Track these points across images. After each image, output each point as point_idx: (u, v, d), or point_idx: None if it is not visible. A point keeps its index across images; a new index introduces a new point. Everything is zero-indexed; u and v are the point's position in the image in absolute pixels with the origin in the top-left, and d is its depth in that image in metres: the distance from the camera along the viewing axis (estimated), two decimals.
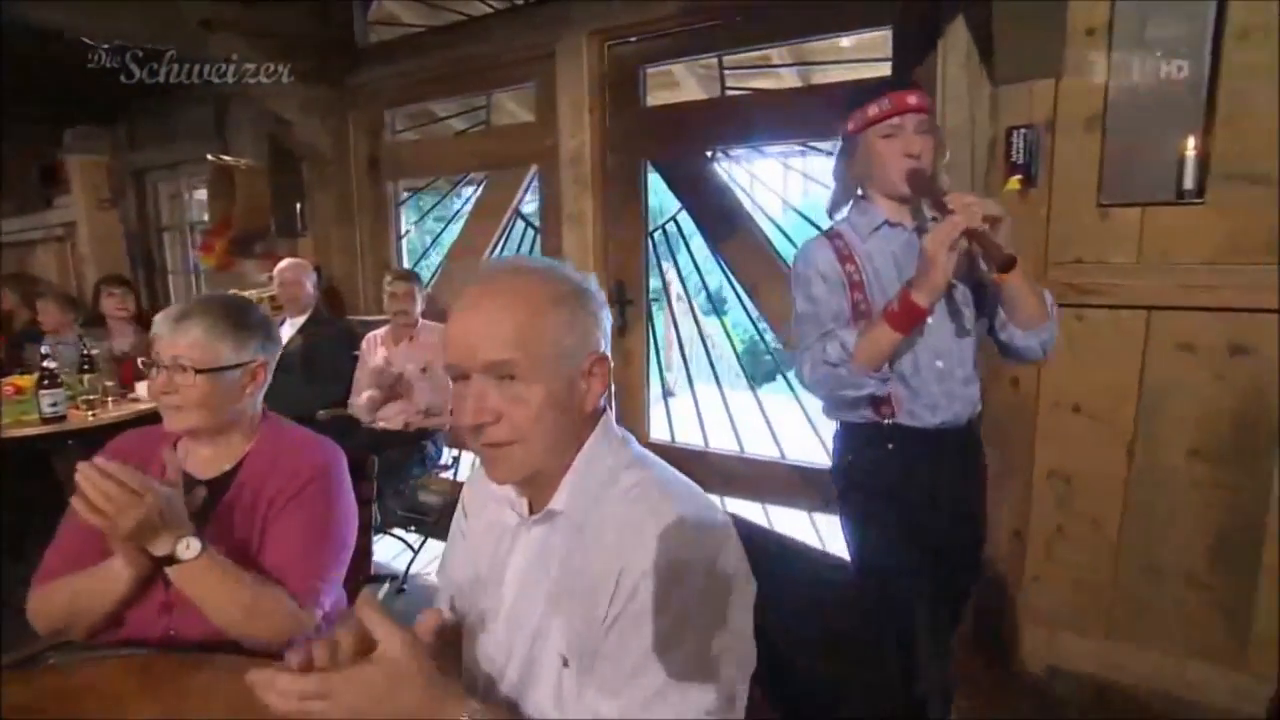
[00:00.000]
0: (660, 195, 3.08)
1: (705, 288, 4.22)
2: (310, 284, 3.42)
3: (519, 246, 3.45)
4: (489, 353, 0.82)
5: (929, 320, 1.47)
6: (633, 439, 0.95)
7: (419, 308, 3.16)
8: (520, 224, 3.46)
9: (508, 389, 0.82)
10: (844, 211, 1.64)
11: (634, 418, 3.18)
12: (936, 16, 2.28)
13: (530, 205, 3.46)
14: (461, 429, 0.87)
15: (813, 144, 2.78)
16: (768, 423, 2.90)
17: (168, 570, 1.11)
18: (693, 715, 0.76)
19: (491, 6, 3.28)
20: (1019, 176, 2.19)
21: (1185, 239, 2.03)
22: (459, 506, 1.09)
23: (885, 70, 2.53)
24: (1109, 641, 2.17)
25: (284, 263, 3.44)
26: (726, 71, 2.81)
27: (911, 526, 1.52)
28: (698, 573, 0.80)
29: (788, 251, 2.83)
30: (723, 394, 3.05)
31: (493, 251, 3.49)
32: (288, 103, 3.64)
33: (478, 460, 1.01)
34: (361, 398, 3.07)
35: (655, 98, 3.05)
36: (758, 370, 5.27)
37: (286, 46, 3.50)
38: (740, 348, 4.02)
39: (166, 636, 1.18)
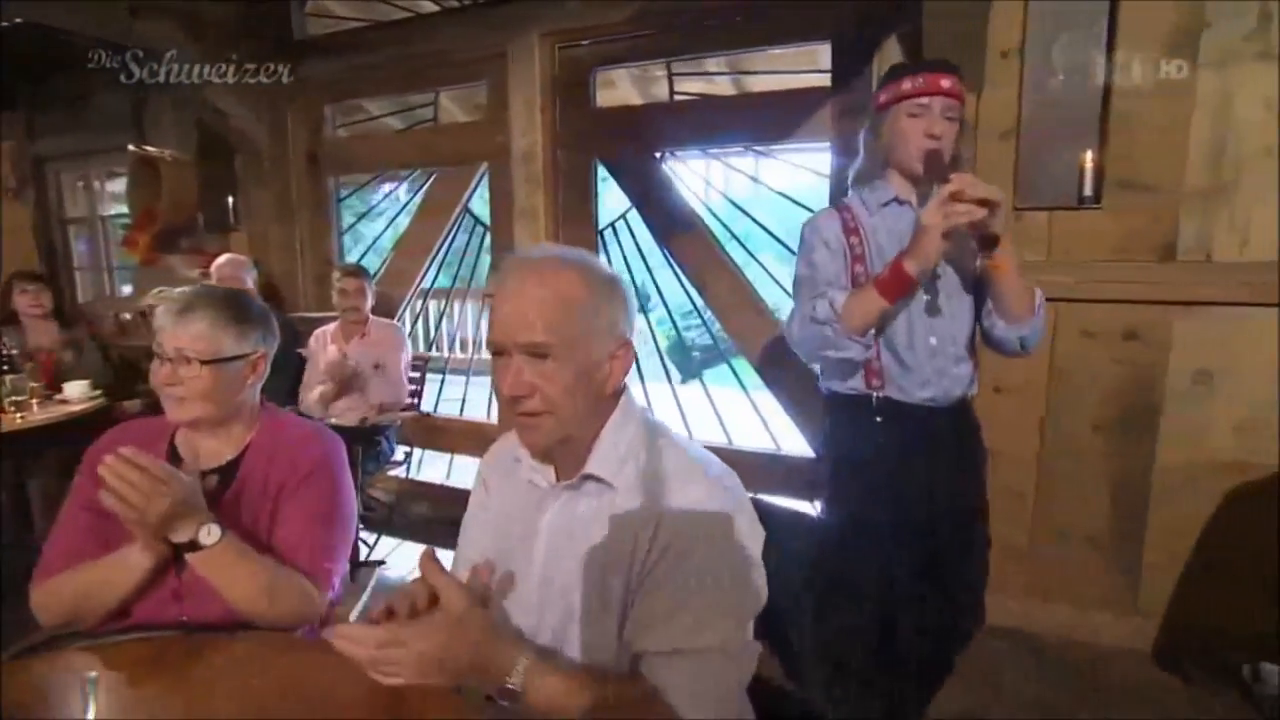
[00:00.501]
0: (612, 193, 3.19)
1: (634, 284, 4.35)
2: (250, 280, 3.34)
3: (468, 242, 3.48)
4: (527, 335, 0.91)
5: (927, 298, 1.52)
6: (650, 412, 1.06)
7: (369, 304, 3.15)
8: (468, 220, 3.49)
9: (542, 367, 0.92)
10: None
11: None
12: (872, 34, 2.48)
13: (476, 202, 3.50)
14: (500, 399, 0.96)
15: (756, 147, 2.95)
16: (682, 416, 3.08)
17: (189, 556, 1.14)
18: (719, 642, 0.88)
19: (438, 4, 3.30)
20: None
21: (1086, 240, 2.30)
22: (478, 483, 1.17)
23: (824, 80, 2.73)
24: (1029, 599, 2.43)
25: (222, 259, 3.35)
26: (659, 73, 2.94)
27: (897, 500, 1.55)
28: (723, 522, 0.92)
29: (735, 249, 3.00)
30: (644, 388, 3.17)
31: (442, 246, 3.51)
32: (224, 94, 3.53)
33: (509, 437, 1.11)
34: (314, 393, 3.03)
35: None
36: (686, 366, 5.47)
37: (220, 35, 3.40)
38: (665, 344, 4.15)
39: (178, 623, 1.20)
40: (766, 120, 2.79)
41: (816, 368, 1.70)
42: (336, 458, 1.36)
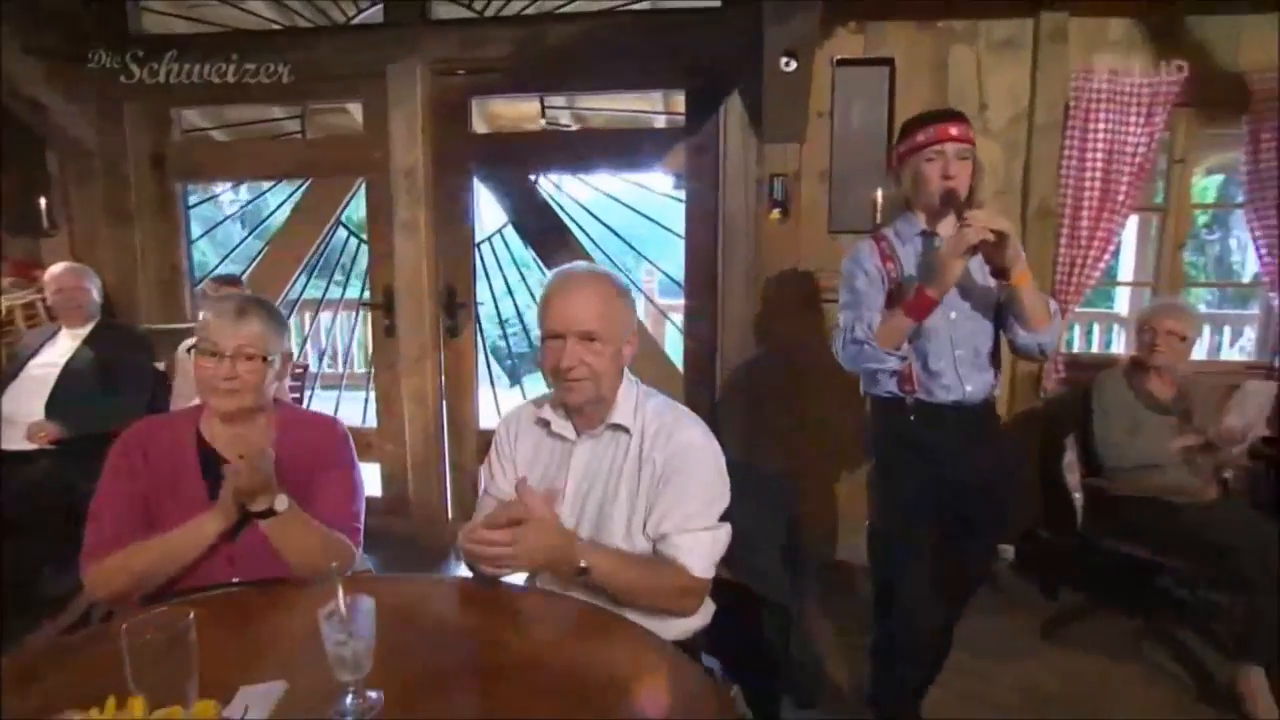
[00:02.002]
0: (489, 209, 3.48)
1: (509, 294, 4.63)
2: (96, 290, 3.16)
3: (342, 250, 3.57)
4: (581, 324, 1.29)
5: (952, 315, 1.74)
6: (638, 379, 1.46)
7: None
8: (341, 231, 3.57)
9: (589, 347, 1.30)
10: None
11: (466, 410, 3.52)
12: (719, 88, 3.05)
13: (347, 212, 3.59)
14: (548, 370, 1.32)
15: (622, 174, 3.42)
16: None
17: (263, 523, 1.34)
18: (709, 523, 1.31)
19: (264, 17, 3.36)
20: (778, 210, 3.06)
21: None
22: (499, 441, 1.49)
23: (678, 120, 3.27)
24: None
25: (58, 268, 3.11)
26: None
27: (928, 486, 1.77)
28: (709, 451, 1.36)
29: (606, 266, 3.44)
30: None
31: (315, 255, 3.55)
32: (42, 85, 3.28)
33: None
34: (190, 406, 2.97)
35: None
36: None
37: (37, 21, 3.18)
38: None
39: (229, 585, 1.38)
40: (631, 152, 3.28)
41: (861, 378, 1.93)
42: (349, 438, 1.60)
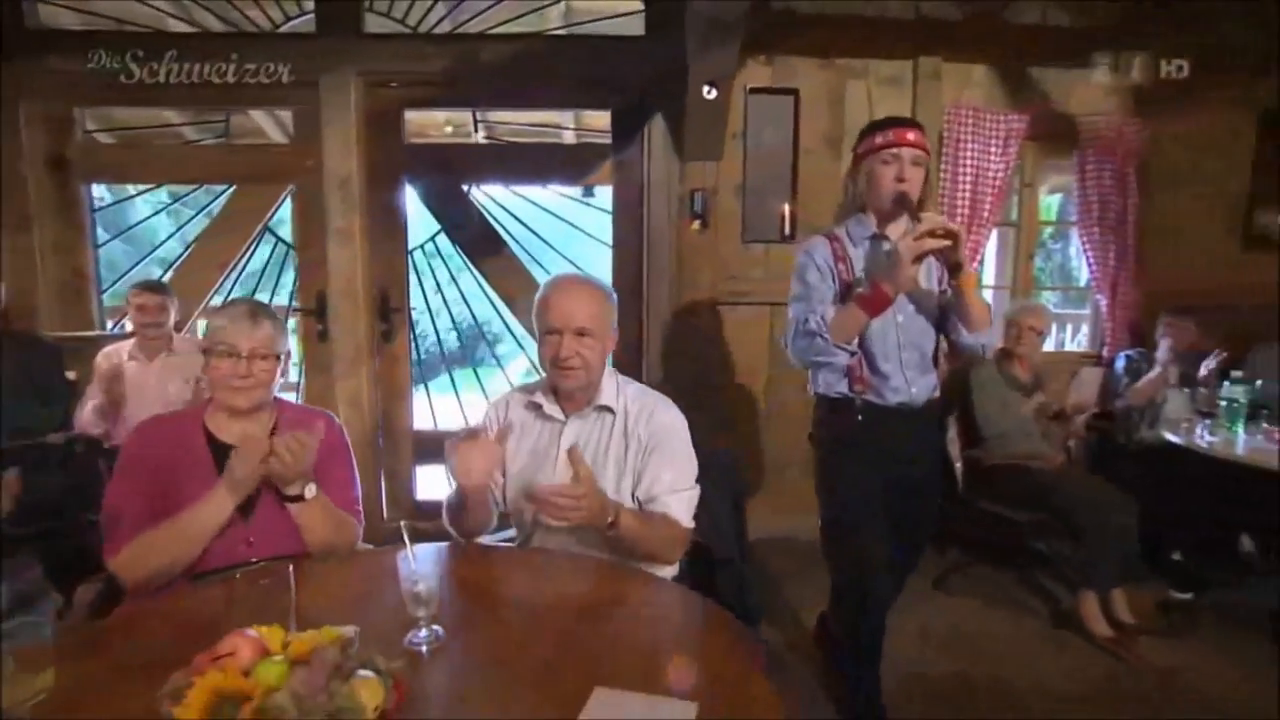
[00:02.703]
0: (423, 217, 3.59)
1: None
2: (2, 295, 3.02)
3: (270, 256, 3.56)
4: (576, 322, 1.52)
5: (899, 319, 1.80)
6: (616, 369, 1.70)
7: (172, 320, 3.09)
8: (268, 237, 3.56)
9: (584, 341, 1.53)
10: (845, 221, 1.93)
11: (400, 413, 3.60)
12: (644, 110, 3.33)
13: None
14: (547, 360, 1.54)
15: (551, 186, 3.63)
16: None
17: (292, 506, 1.48)
18: (688, 485, 1.57)
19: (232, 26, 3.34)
20: (698, 222, 3.37)
21: (787, 264, 3.39)
22: (489, 423, 1.68)
23: (605, 138, 3.52)
24: (775, 513, 3.46)
25: None
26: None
27: (874, 482, 1.86)
28: (682, 428, 1.62)
29: (537, 270, 3.63)
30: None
31: (241, 260, 3.53)
32: None
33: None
34: (85, 409, 2.91)
35: None
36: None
37: None
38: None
39: (247, 563, 1.49)
40: (561, 165, 3.50)
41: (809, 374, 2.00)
42: (345, 433, 1.73)
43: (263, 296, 3.73)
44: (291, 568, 1.02)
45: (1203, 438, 2.63)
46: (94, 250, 3.57)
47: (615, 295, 1.64)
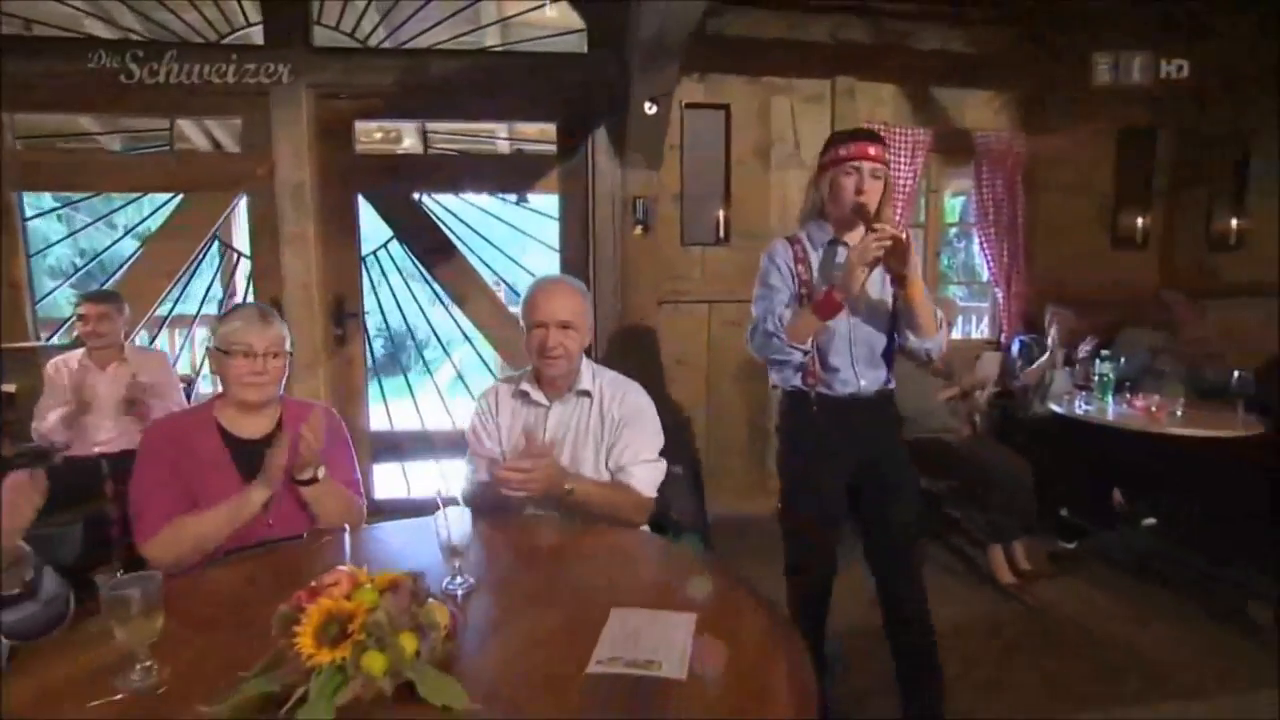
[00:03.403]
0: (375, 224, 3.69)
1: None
2: None
3: (219, 264, 3.58)
4: (560, 316, 1.74)
5: (851, 320, 1.88)
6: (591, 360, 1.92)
7: (121, 329, 3.09)
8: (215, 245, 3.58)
9: (568, 334, 1.75)
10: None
11: (357, 415, 3.69)
12: (588, 122, 3.55)
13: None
14: (535, 350, 1.75)
15: (500, 195, 3.80)
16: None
17: (304, 490, 1.63)
18: (652, 457, 1.80)
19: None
20: (640, 227, 3.62)
21: (722, 265, 3.73)
22: (481, 413, 1.87)
23: (550, 149, 3.72)
24: (724, 493, 3.73)
25: None
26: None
27: (829, 466, 1.95)
28: (650, 408, 1.86)
29: (486, 273, 3.80)
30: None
31: (189, 268, 3.54)
32: None
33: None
34: (50, 418, 2.90)
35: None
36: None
37: None
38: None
39: (265, 542, 1.63)
40: (509, 175, 3.68)
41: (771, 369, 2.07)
42: (343, 422, 1.88)
43: (211, 306, 3.74)
44: (347, 529, 1.19)
45: (1080, 408, 3.07)
46: (27, 260, 3.50)
47: (588, 292, 1.86)
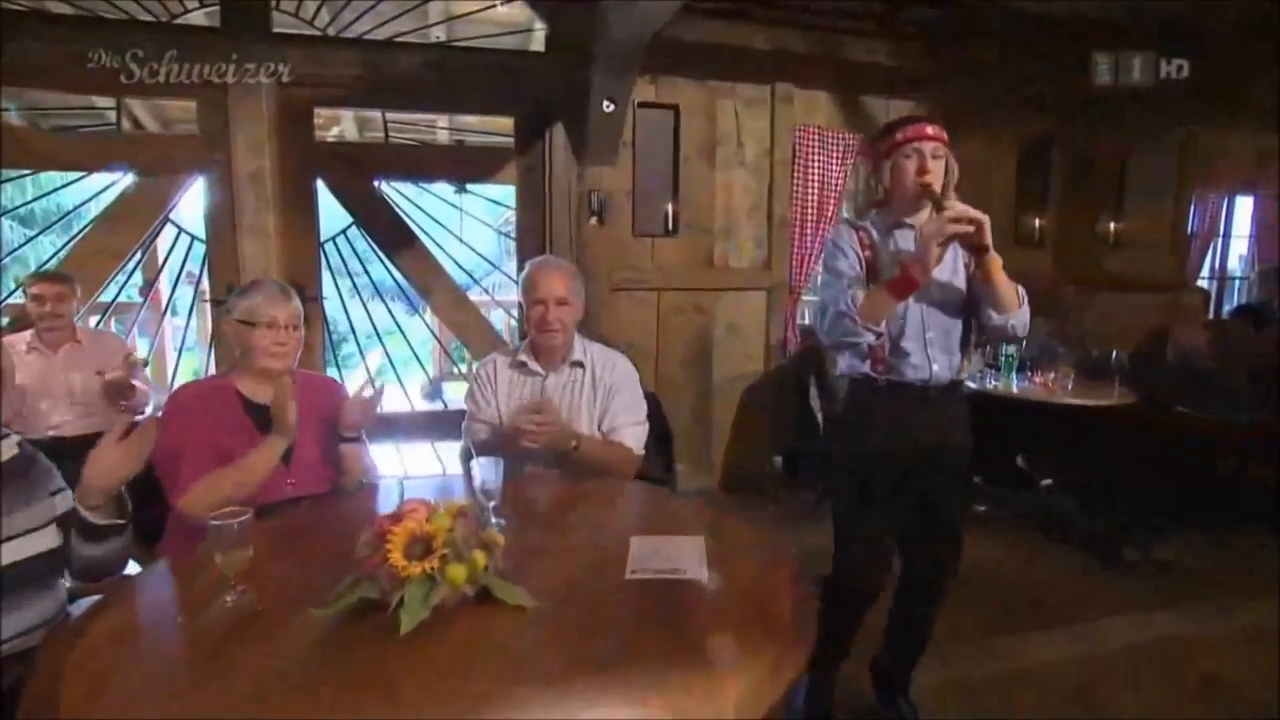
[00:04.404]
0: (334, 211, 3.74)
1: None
2: None
3: (171, 248, 3.55)
4: (557, 293, 1.94)
5: (925, 302, 1.81)
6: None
7: (74, 311, 3.05)
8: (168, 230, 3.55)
9: (564, 309, 1.95)
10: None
11: None
12: (544, 117, 3.72)
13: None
14: (533, 324, 1.93)
15: (459, 184, 3.92)
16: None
17: (344, 446, 1.80)
18: (640, 420, 2.03)
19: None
20: (595, 218, 3.82)
21: (671, 255, 3.98)
22: (480, 381, 2.05)
23: (491, 139, 3.87)
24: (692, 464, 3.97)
25: None
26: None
27: (891, 459, 1.86)
28: (635, 376, 2.08)
29: (447, 263, 3.91)
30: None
31: (141, 250, 3.49)
32: None
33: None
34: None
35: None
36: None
37: None
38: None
39: (289, 499, 1.75)
40: (469, 166, 3.80)
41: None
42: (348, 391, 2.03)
43: (166, 288, 3.70)
44: (401, 479, 1.36)
45: (990, 383, 3.50)
46: None
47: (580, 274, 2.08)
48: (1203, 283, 5.65)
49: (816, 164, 4.03)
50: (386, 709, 0.90)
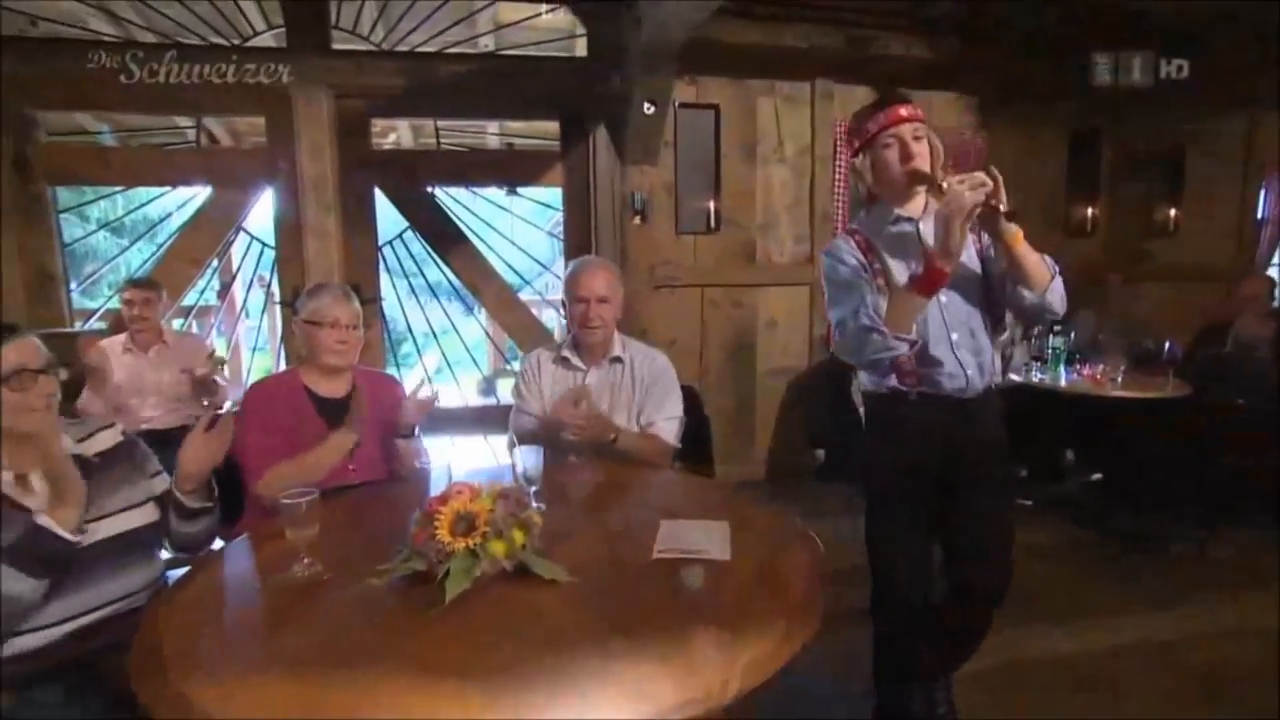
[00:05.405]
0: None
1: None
2: None
3: (244, 254, 3.81)
4: (599, 292, 2.06)
5: (943, 299, 1.64)
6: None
7: (161, 315, 3.32)
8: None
9: (605, 307, 2.07)
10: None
11: None
12: (588, 119, 3.85)
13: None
14: (576, 321, 2.05)
15: (508, 187, 4.08)
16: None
17: (400, 441, 1.96)
18: (677, 414, 2.13)
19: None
20: (638, 217, 3.93)
21: (712, 251, 4.06)
22: (526, 375, 2.18)
23: (537, 143, 4.01)
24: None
25: None
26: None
27: (924, 481, 1.71)
28: (672, 371, 2.18)
29: (499, 264, 4.08)
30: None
31: (217, 257, 3.77)
32: None
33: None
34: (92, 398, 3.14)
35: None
36: None
37: None
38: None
39: (349, 484, 1.92)
40: (516, 169, 3.96)
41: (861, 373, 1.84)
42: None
43: (240, 292, 3.97)
44: (449, 465, 1.50)
45: (1037, 377, 3.47)
46: (61, 250, 3.70)
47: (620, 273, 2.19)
48: (1272, 270, 5.40)
49: None
50: (432, 664, 1.02)
